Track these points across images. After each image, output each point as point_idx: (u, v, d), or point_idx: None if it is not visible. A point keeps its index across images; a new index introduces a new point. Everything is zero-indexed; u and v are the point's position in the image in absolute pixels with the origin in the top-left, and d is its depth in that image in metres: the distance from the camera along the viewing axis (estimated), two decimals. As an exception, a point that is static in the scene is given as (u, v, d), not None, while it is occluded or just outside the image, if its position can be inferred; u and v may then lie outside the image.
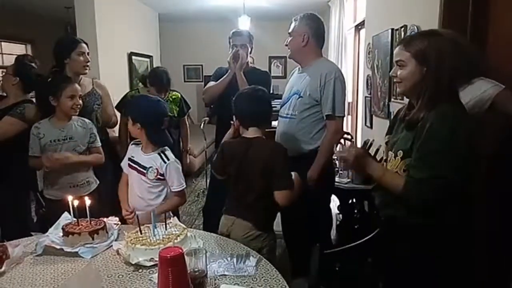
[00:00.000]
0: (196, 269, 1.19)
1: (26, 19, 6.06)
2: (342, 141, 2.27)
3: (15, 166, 2.24)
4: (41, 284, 1.27)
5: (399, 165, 1.39)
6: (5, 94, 2.45)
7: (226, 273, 1.32)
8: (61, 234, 1.53)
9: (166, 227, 1.50)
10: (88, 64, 2.49)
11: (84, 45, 2.48)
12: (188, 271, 1.16)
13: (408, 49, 1.36)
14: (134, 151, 1.93)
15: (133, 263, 1.34)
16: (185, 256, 1.15)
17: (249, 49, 2.69)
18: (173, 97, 3.03)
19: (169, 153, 1.90)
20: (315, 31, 2.21)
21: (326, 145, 2.13)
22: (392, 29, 2.86)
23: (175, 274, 0.97)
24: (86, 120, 2.27)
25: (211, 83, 2.77)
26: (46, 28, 6.11)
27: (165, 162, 1.85)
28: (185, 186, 1.93)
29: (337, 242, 2.86)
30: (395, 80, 1.45)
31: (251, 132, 1.80)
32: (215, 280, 1.28)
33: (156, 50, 6.19)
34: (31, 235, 1.75)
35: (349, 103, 4.83)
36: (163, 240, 1.42)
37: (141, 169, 1.87)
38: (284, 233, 2.42)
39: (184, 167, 2.91)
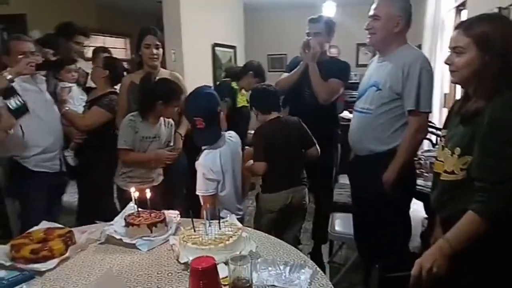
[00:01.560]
0: (241, 278, 1.11)
1: (123, 15, 6.56)
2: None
3: (102, 152, 2.40)
4: (98, 273, 1.30)
5: (455, 164, 1.23)
6: (94, 86, 2.63)
7: (276, 283, 1.21)
8: (124, 224, 1.58)
9: (220, 226, 1.45)
10: (154, 56, 2.43)
11: (151, 37, 2.43)
12: (232, 279, 1.09)
13: (468, 34, 1.21)
14: (218, 158, 1.87)
15: (182, 262, 1.31)
16: (230, 262, 1.09)
17: (326, 37, 2.50)
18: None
19: (206, 152, 1.88)
20: (408, 13, 1.94)
21: (406, 144, 1.88)
22: (500, 8, 2.42)
23: (207, 287, 0.89)
24: (169, 120, 2.33)
25: (285, 75, 2.65)
26: (141, 22, 6.52)
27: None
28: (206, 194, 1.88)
29: (420, 252, 2.56)
30: (450, 68, 1.29)
31: (274, 115, 2.19)
32: (262, 290, 1.18)
33: (240, 41, 6.23)
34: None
35: (445, 94, 4.32)
36: (214, 240, 1.36)
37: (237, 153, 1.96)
38: (356, 240, 2.23)
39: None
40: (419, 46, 5.08)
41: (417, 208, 2.47)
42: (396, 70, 1.90)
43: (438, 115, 4.19)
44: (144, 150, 2.24)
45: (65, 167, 2.36)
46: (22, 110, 1.76)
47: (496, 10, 2.44)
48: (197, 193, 1.82)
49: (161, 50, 2.48)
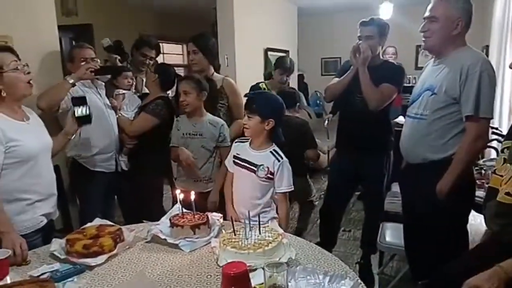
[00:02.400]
0: (276, 285, 1.09)
1: (180, 22, 6.82)
2: None
3: (150, 156, 2.50)
4: (143, 270, 1.35)
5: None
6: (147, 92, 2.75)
7: (313, 293, 1.18)
8: (169, 224, 1.63)
9: (260, 230, 1.44)
10: (192, 62, 2.58)
11: (189, 44, 2.58)
12: (267, 286, 1.08)
13: None
14: (238, 149, 1.93)
15: (221, 265, 1.32)
16: (265, 269, 1.08)
17: (378, 40, 2.40)
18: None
19: (280, 152, 1.86)
20: (469, 14, 1.81)
21: (463, 152, 1.75)
22: None
23: (239, 292, 0.89)
24: (219, 120, 2.35)
25: (335, 80, 2.59)
26: (196, 28, 6.77)
27: (279, 161, 1.83)
28: (292, 189, 1.85)
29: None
30: None
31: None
32: (299, 299, 1.16)
33: (293, 45, 6.21)
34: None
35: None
36: (253, 245, 1.36)
37: (251, 167, 1.85)
38: (406, 252, 2.11)
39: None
40: (486, 48, 4.74)
41: (477, 222, 2.29)
42: (453, 74, 1.78)
43: (507, 123, 3.86)
44: (187, 147, 2.31)
45: (120, 168, 2.49)
46: (85, 120, 1.89)
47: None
48: (287, 190, 1.85)
49: (200, 54, 2.55)
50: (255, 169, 1.84)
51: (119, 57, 2.85)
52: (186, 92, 2.26)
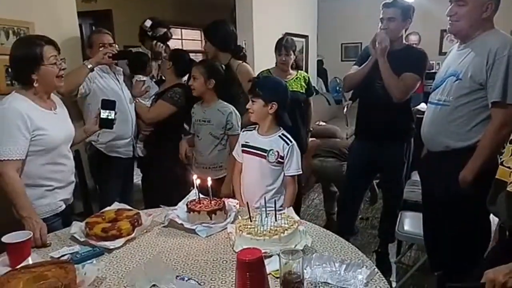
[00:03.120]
0: (292, 272, 1.08)
1: (199, 7, 6.78)
2: None
3: (167, 143, 2.52)
4: (159, 254, 1.37)
5: None
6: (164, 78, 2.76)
7: (329, 281, 1.17)
8: (186, 209, 1.64)
9: (276, 217, 1.43)
10: (204, 49, 2.65)
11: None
12: (282, 273, 1.07)
13: None
14: (247, 137, 1.91)
15: (236, 251, 1.32)
16: (281, 255, 1.07)
17: (401, 23, 2.32)
18: (303, 75, 2.86)
19: (288, 135, 1.86)
20: None
21: (488, 140, 1.69)
22: None
23: (254, 279, 0.89)
24: (229, 106, 2.32)
25: (354, 68, 2.52)
26: (216, 14, 6.71)
27: (288, 144, 1.83)
28: (300, 172, 1.85)
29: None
30: None
31: None
32: (314, 287, 1.15)
33: (313, 30, 6.09)
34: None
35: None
36: (269, 232, 1.35)
37: (261, 152, 1.86)
38: (425, 242, 2.07)
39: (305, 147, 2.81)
40: (514, 32, 4.53)
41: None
42: (479, 58, 1.70)
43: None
44: (198, 133, 2.37)
45: (136, 154, 2.52)
46: (108, 123, 1.89)
47: None
48: (295, 173, 1.86)
49: (208, 44, 2.60)
50: (265, 154, 1.85)
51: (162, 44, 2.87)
52: (195, 77, 2.28)
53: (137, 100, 2.50)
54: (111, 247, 1.38)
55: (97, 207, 2.33)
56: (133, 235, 1.47)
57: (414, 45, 3.56)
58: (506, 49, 1.64)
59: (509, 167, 1.24)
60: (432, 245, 2.05)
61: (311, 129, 3.12)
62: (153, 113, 2.48)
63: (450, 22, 1.84)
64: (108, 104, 1.89)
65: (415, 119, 2.57)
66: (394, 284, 2.51)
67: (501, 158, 1.31)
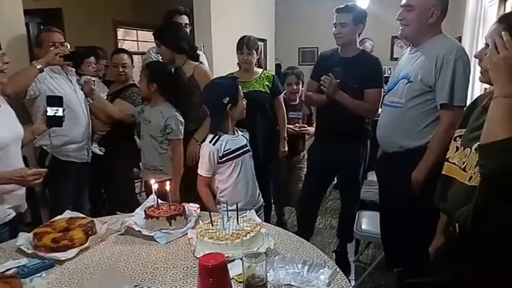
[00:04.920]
0: (255, 275, 1.07)
1: (156, 8, 6.63)
2: None
3: (124, 144, 2.45)
4: (115, 263, 1.31)
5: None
6: (112, 79, 2.68)
7: (292, 283, 1.16)
8: (144, 216, 1.58)
9: (238, 220, 1.41)
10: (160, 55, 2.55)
11: (178, 16, 2.67)
12: (245, 277, 1.05)
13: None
14: (223, 146, 1.85)
15: (198, 257, 1.29)
16: (243, 259, 1.05)
17: (353, 27, 2.37)
18: (267, 74, 2.81)
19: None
20: (445, 3, 1.82)
21: (437, 140, 1.77)
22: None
23: (217, 285, 0.87)
24: (172, 110, 2.24)
25: (311, 83, 2.57)
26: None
27: (246, 138, 1.98)
28: None
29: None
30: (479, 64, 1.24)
31: None
32: (277, 289, 1.14)
33: (271, 34, 6.16)
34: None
35: (485, 89, 4.08)
36: (231, 236, 1.33)
37: (245, 149, 1.93)
38: (382, 240, 2.14)
39: (280, 155, 2.81)
40: (459, 39, 4.82)
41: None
42: (428, 61, 1.79)
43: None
44: (143, 132, 2.33)
45: (89, 158, 2.41)
46: (56, 122, 1.78)
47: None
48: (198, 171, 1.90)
49: (162, 47, 2.50)
50: (248, 147, 1.96)
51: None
52: (140, 79, 2.26)
53: (91, 101, 2.40)
54: (62, 258, 1.30)
55: (47, 216, 2.20)
56: (86, 244, 1.39)
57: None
58: (452, 53, 1.73)
59: (454, 163, 1.30)
60: (388, 243, 2.12)
61: (284, 135, 2.86)
62: (118, 108, 2.42)
63: (400, 27, 1.92)
64: (55, 101, 1.78)
65: (370, 121, 2.66)
66: (353, 283, 2.57)
67: (449, 156, 1.38)
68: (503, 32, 1.10)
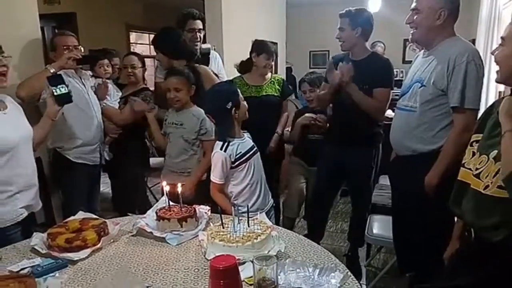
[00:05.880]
0: (266, 278, 1.07)
1: (168, 13, 6.70)
2: None
3: (134, 146, 2.47)
4: (127, 264, 1.32)
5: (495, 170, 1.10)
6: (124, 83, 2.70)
7: (303, 286, 1.15)
8: (155, 217, 1.58)
9: (249, 223, 1.41)
10: (196, 41, 2.64)
11: (192, 21, 2.62)
12: (256, 280, 1.05)
13: None
14: (235, 151, 1.87)
15: (208, 259, 1.29)
16: (255, 262, 1.05)
17: (350, 32, 2.34)
18: (277, 78, 2.89)
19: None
20: (453, 4, 1.80)
21: (451, 144, 1.75)
22: None
23: (228, 287, 0.86)
24: (201, 111, 2.24)
25: (325, 85, 2.56)
26: (186, 20, 6.69)
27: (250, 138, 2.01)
28: None
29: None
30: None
31: None
32: (288, 293, 1.13)
33: (281, 37, 6.16)
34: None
35: (499, 92, 4.02)
36: (242, 238, 1.33)
37: (254, 150, 1.97)
38: (395, 244, 2.11)
39: (268, 149, 2.79)
40: (473, 41, 4.77)
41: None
42: (440, 65, 1.77)
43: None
44: (168, 136, 2.32)
45: (104, 160, 2.44)
46: (66, 99, 1.78)
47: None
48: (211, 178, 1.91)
49: (159, 54, 2.51)
50: (256, 148, 1.98)
51: None
52: (178, 89, 2.20)
53: (104, 104, 2.43)
54: (76, 258, 1.31)
55: (61, 217, 2.23)
56: (99, 245, 1.41)
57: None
58: (464, 56, 1.71)
59: (470, 169, 1.28)
60: (401, 247, 2.09)
61: (278, 132, 2.89)
62: (125, 114, 2.43)
63: (411, 30, 1.91)
64: (55, 80, 1.78)
65: (382, 125, 2.63)
66: (364, 287, 2.55)
67: (465, 162, 1.36)
68: None
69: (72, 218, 1.57)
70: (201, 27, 2.81)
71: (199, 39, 2.79)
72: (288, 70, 7.08)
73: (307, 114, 2.76)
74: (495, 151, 1.13)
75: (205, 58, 2.69)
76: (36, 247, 1.36)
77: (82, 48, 2.27)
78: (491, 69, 3.87)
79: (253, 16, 5.20)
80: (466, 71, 1.69)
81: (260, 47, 2.72)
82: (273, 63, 2.79)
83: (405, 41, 6.89)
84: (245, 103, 1.94)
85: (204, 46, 2.75)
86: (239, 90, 1.96)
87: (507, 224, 1.13)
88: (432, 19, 1.80)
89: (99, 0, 5.33)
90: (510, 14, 3.84)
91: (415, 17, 1.86)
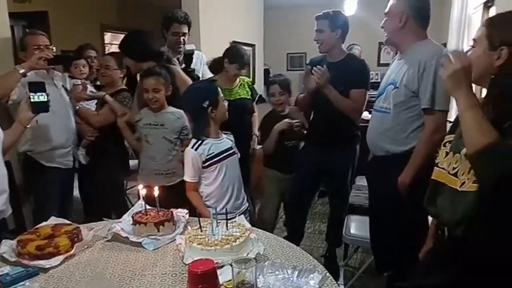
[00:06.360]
0: (245, 281, 1.06)
1: (143, 12, 6.61)
2: None
3: (114, 148, 2.41)
4: (102, 271, 1.28)
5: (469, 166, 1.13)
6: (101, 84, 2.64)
7: (282, 288, 1.16)
8: (131, 222, 1.55)
9: (227, 226, 1.40)
10: (180, 45, 2.60)
11: (177, 25, 2.58)
12: (235, 283, 1.04)
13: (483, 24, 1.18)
14: (206, 151, 1.87)
15: (186, 263, 1.27)
16: (233, 265, 1.04)
17: (330, 33, 2.39)
18: (246, 80, 2.86)
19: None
20: (416, 9, 1.87)
21: (422, 145, 1.80)
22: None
23: (206, 292, 0.85)
24: (181, 111, 2.22)
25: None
26: (160, 18, 6.59)
27: (232, 141, 1.99)
28: None
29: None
30: None
31: None
32: (267, 295, 1.13)
33: (259, 39, 6.18)
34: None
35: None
36: (220, 241, 1.32)
37: (230, 152, 1.94)
38: (371, 244, 2.15)
39: (251, 152, 2.83)
40: (445, 45, 4.91)
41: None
42: (411, 67, 1.82)
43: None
44: (148, 137, 2.25)
45: (77, 163, 2.37)
46: (43, 107, 1.74)
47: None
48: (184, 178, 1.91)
49: (126, 58, 2.47)
50: (234, 150, 1.96)
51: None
52: (156, 89, 2.16)
53: (80, 105, 2.36)
54: (47, 266, 1.27)
55: (31, 223, 2.15)
56: (72, 251, 1.36)
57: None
58: (434, 59, 1.76)
59: (443, 168, 1.31)
60: (378, 247, 2.12)
61: (256, 133, 2.90)
62: (102, 116, 2.36)
63: (384, 34, 1.99)
64: (37, 87, 1.74)
65: (360, 127, 2.67)
66: (342, 287, 2.57)
67: (438, 161, 1.39)
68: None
69: (43, 224, 1.52)
70: (185, 31, 2.76)
71: (182, 43, 2.74)
72: (266, 72, 7.10)
73: (285, 120, 2.57)
74: (465, 149, 1.16)
75: (188, 58, 2.63)
76: (4, 255, 1.31)
77: (54, 48, 2.20)
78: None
79: (231, 17, 5.19)
80: (436, 73, 1.74)
81: (234, 57, 2.64)
82: (244, 71, 2.76)
83: (380, 44, 7.02)
84: (225, 103, 1.93)
85: (187, 47, 2.69)
86: (220, 90, 1.94)
87: (471, 219, 1.17)
88: (396, 23, 1.88)
89: (72, -2, 5.20)
90: (479, 18, 3.98)
91: (385, 20, 1.94)
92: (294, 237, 2.67)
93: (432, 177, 1.39)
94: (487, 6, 3.83)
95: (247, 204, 2.06)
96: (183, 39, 2.75)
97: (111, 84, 2.49)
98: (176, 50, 2.75)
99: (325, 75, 2.32)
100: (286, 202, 2.86)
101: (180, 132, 2.22)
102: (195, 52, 2.82)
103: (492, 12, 3.58)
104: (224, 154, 1.90)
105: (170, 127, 2.20)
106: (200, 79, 2.66)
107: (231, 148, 1.95)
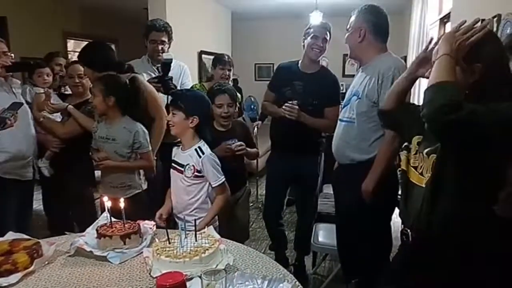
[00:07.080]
0: (215, 294, 1.05)
1: (108, 20, 6.50)
2: None
3: (80, 161, 2.32)
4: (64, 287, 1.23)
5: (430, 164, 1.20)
6: (68, 92, 2.55)
7: (252, 299, 1.15)
8: (96, 235, 1.50)
9: (196, 237, 1.38)
10: (158, 53, 2.63)
11: (155, 32, 2.60)
12: (205, 295, 1.03)
13: None
14: (175, 153, 1.90)
15: (154, 276, 1.24)
16: (203, 277, 1.03)
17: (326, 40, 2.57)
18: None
19: (205, 147, 1.84)
20: (373, 24, 1.96)
21: (382, 153, 1.86)
22: (482, 21, 2.44)
23: (175, 305, 0.83)
24: (136, 124, 2.13)
25: (268, 94, 2.64)
26: (128, 28, 6.48)
27: (200, 157, 1.80)
28: (224, 179, 1.84)
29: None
30: None
31: None
32: (237, 306, 1.12)
33: (227, 49, 6.21)
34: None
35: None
36: (189, 253, 1.30)
37: (179, 167, 1.85)
38: (339, 252, 2.18)
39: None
40: (404, 58, 5.14)
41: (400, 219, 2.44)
42: (372, 79, 1.91)
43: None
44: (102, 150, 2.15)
45: (38, 175, 2.26)
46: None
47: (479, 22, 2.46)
48: (216, 184, 1.82)
49: (85, 68, 2.38)
50: (182, 169, 1.84)
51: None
52: (94, 94, 2.08)
53: (44, 116, 2.26)
54: (5, 284, 1.21)
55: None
56: (31, 268, 1.30)
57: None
58: (391, 70, 1.85)
59: (415, 168, 1.34)
60: (345, 254, 2.16)
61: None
62: (69, 127, 2.27)
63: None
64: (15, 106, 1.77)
65: (324, 135, 2.73)
66: (311, 296, 2.59)
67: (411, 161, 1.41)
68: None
69: (0, 239, 1.44)
70: (163, 38, 2.77)
71: (161, 51, 2.74)
72: (235, 82, 7.13)
73: (225, 145, 2.18)
74: (428, 148, 1.22)
75: (165, 67, 2.60)
76: (-44, 274, 1.23)
77: (12, 55, 2.10)
78: (422, 83, 4.19)
79: (199, 28, 5.20)
80: (392, 83, 1.81)
81: (214, 60, 2.84)
82: (229, 73, 2.85)
83: (344, 55, 7.23)
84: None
85: (165, 55, 2.67)
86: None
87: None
88: (355, 37, 1.98)
89: (33, 4, 5.02)
90: (436, 33, 4.20)
91: (346, 35, 2.04)
92: (280, 245, 2.79)
93: (409, 179, 1.41)
94: (443, 22, 4.05)
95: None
96: (162, 48, 2.76)
97: (81, 94, 2.41)
98: (155, 59, 2.78)
99: (296, 110, 2.38)
100: (263, 214, 2.87)
101: (132, 146, 2.11)
102: (178, 63, 2.85)
103: (448, 27, 3.79)
104: (176, 166, 1.87)
105: (121, 142, 2.10)
106: (177, 88, 2.64)
107: (183, 165, 1.83)
